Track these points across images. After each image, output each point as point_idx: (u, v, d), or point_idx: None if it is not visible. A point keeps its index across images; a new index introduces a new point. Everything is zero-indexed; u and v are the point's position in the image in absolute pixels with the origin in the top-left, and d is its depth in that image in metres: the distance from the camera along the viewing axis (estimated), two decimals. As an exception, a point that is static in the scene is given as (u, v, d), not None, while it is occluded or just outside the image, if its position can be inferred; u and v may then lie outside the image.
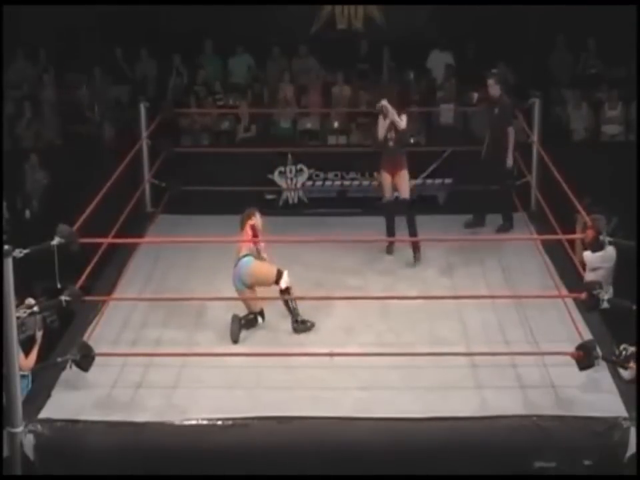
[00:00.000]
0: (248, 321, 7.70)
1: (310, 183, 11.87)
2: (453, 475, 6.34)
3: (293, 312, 7.72)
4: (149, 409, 6.62)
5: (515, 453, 6.37)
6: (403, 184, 9.13)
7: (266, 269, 7.69)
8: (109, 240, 7.81)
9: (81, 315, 7.57)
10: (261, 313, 7.77)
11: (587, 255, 8.41)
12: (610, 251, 8.22)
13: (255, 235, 7.77)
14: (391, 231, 9.20)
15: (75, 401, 6.70)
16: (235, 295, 7.74)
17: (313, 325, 7.74)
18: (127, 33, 13.22)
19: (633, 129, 12.24)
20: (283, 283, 7.64)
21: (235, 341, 7.55)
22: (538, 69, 13.08)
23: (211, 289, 8.34)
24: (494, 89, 9.84)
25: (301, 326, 7.72)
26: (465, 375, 7.00)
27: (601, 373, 6.84)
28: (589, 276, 8.37)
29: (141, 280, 8.66)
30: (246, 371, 7.01)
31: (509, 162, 9.75)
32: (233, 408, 6.57)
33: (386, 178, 9.21)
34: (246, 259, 7.67)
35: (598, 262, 8.54)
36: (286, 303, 7.72)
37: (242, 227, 7.85)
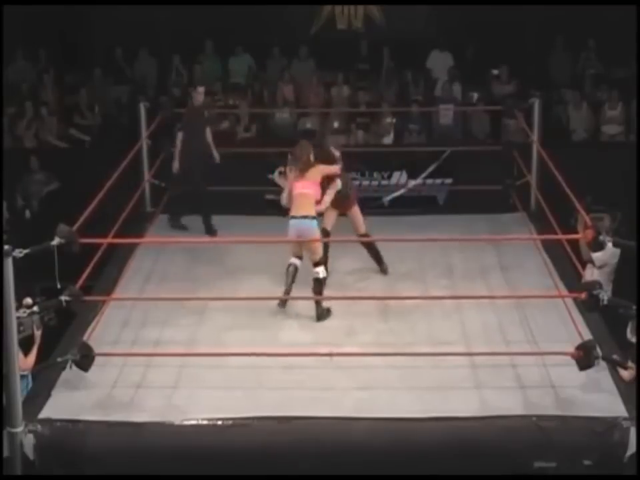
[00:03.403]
0: (289, 273, 7.95)
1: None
2: (453, 475, 6.34)
3: (318, 302, 7.90)
4: (149, 409, 6.62)
5: (515, 453, 6.37)
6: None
7: (320, 249, 8.04)
8: (109, 240, 7.81)
9: (81, 315, 7.56)
10: (300, 257, 8.02)
11: (596, 253, 8.41)
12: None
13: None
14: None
15: (75, 401, 6.70)
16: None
17: (330, 311, 7.94)
18: (126, 33, 13.23)
19: (633, 129, 12.23)
20: (321, 273, 7.95)
21: (288, 291, 7.90)
22: (538, 69, 13.09)
23: (211, 289, 8.35)
24: (197, 99, 10.10)
25: (326, 314, 7.91)
26: (464, 375, 7.00)
27: (601, 373, 6.84)
28: (595, 274, 8.38)
29: (140, 280, 8.66)
30: (246, 371, 7.01)
31: (216, 159, 9.98)
32: (232, 408, 6.57)
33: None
34: (315, 222, 7.97)
35: (606, 259, 8.56)
36: (315, 290, 7.96)
37: (305, 166, 8.18)
